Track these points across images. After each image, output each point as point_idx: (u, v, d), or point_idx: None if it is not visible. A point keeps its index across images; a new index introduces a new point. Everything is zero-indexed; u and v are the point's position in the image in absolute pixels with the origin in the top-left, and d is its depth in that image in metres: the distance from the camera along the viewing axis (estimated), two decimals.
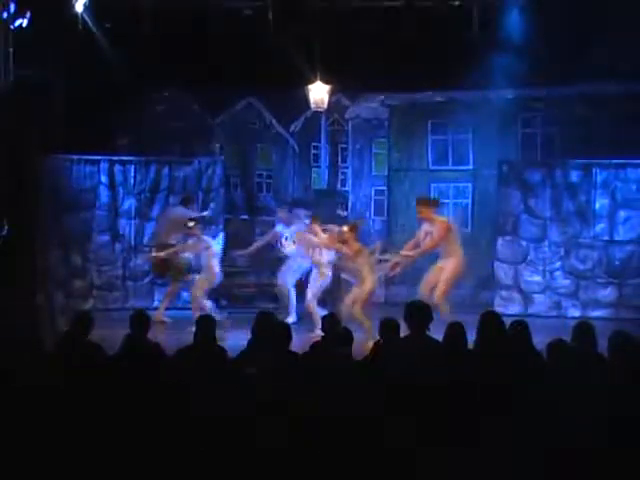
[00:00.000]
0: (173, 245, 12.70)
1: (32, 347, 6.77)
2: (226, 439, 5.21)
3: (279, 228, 12.94)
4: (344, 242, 11.03)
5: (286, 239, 12.69)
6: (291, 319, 11.97)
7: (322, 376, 6.04)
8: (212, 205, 14.28)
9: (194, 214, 12.94)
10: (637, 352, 6.20)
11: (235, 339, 8.12)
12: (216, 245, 12.39)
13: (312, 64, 13.20)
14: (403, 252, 11.50)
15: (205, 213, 13.62)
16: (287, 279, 12.63)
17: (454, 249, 11.22)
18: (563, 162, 13.94)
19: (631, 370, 5.94)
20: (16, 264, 10.15)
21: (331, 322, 7.40)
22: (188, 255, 12.65)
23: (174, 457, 5.17)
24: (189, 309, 13.21)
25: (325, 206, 15.00)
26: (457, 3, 12.18)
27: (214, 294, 12.85)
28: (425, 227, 11.43)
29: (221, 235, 13.53)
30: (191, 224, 12.16)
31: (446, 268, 11.21)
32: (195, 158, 14.74)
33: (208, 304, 11.71)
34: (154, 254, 12.75)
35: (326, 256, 11.82)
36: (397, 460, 5.05)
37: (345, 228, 11.23)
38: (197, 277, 12.22)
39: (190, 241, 12.14)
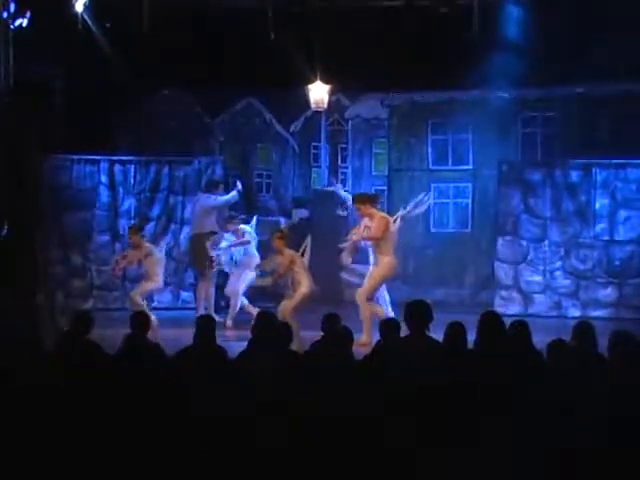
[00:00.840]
0: (214, 233, 12.56)
1: (32, 347, 6.77)
2: (226, 439, 5.21)
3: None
4: (278, 252, 10.63)
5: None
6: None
7: (322, 376, 6.04)
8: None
9: (219, 199, 12.71)
10: (637, 352, 6.20)
11: (236, 339, 8.12)
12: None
13: (312, 64, 13.21)
14: (342, 245, 11.39)
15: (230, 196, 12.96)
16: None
17: (388, 248, 10.78)
18: (563, 162, 13.94)
19: (631, 370, 5.95)
20: (16, 264, 10.14)
21: (331, 322, 7.40)
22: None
23: (174, 457, 5.17)
24: (190, 309, 13.26)
25: (325, 206, 15.00)
26: (457, 3, 12.17)
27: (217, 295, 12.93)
28: (365, 221, 10.97)
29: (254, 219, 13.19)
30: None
31: (378, 266, 10.84)
32: (195, 158, 14.74)
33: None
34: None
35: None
36: (397, 460, 5.05)
37: (277, 237, 10.74)
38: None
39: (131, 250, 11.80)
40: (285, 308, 10.34)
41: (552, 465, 4.99)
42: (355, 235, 11.07)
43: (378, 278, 10.79)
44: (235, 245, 12.40)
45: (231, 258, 12.50)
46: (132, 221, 14.32)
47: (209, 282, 12.66)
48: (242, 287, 12.32)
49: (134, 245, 11.35)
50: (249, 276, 12.33)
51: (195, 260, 12.95)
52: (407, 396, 5.51)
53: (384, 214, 11.15)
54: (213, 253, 12.45)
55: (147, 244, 11.39)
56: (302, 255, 10.62)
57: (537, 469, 5.00)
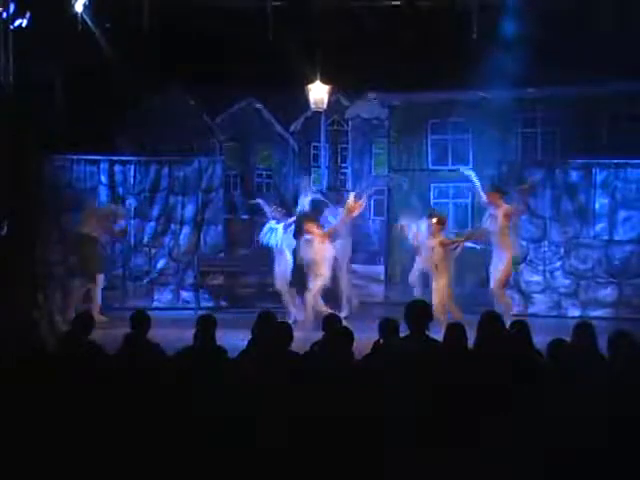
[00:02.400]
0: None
1: (32, 347, 6.77)
2: (226, 439, 5.21)
3: None
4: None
5: None
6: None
7: (322, 376, 6.04)
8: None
9: None
10: (637, 351, 6.21)
11: (236, 339, 8.11)
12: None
13: (312, 64, 13.21)
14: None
15: None
16: None
17: (512, 237, 12.05)
18: (563, 162, 13.95)
19: (631, 369, 5.95)
20: (16, 264, 10.15)
21: (331, 321, 7.40)
22: None
23: (175, 457, 5.17)
24: (190, 309, 13.27)
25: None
26: (457, 3, 12.17)
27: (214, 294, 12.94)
28: (490, 210, 11.96)
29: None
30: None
31: (505, 254, 11.86)
32: (195, 158, 14.75)
33: None
34: None
35: None
36: (397, 460, 5.05)
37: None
38: None
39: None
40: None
41: (552, 465, 5.00)
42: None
43: (508, 265, 11.85)
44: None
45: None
46: (132, 221, 14.34)
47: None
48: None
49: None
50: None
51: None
52: (407, 396, 5.51)
53: (510, 205, 11.91)
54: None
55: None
56: None
57: (537, 469, 5.00)
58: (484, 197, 12.16)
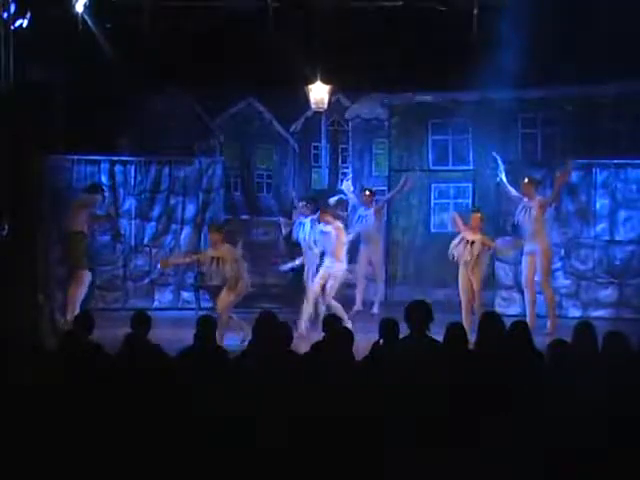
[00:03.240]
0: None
1: (33, 347, 6.77)
2: (227, 439, 5.21)
3: None
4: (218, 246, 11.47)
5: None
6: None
7: (322, 376, 6.04)
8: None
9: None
10: (629, 352, 6.23)
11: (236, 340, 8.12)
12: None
13: (312, 64, 13.20)
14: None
15: None
16: None
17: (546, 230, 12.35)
18: (563, 162, 13.93)
19: (625, 370, 5.95)
20: (16, 264, 10.15)
21: (331, 322, 7.40)
22: None
23: (175, 457, 5.17)
24: (191, 309, 13.26)
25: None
26: (457, 3, 12.17)
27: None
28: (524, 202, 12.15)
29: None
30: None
31: (542, 248, 12.15)
32: (195, 158, 14.74)
33: None
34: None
35: None
36: (397, 460, 5.05)
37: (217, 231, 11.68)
38: None
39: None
40: (223, 302, 11.15)
41: (552, 465, 4.99)
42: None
43: (548, 261, 12.15)
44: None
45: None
46: (133, 222, 14.34)
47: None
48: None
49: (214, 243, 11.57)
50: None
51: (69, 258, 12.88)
52: (407, 396, 5.51)
53: (544, 196, 12.20)
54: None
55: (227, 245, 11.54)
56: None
57: (537, 469, 5.00)
58: (513, 191, 12.33)
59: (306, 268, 12.59)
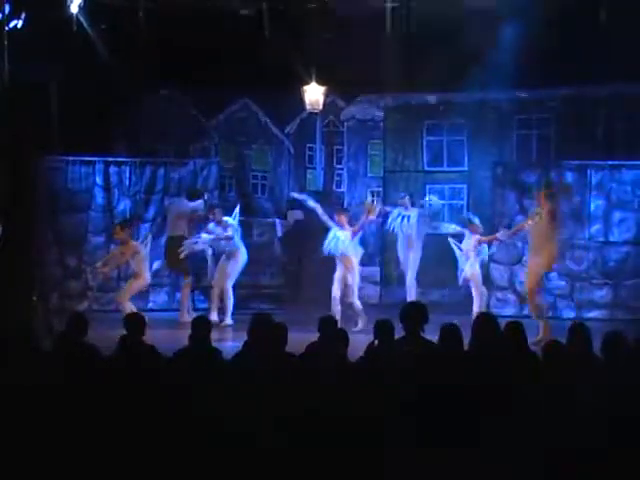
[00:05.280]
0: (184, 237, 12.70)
1: (28, 347, 6.76)
2: (222, 440, 5.21)
3: None
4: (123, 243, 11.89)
5: None
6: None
7: (318, 377, 6.04)
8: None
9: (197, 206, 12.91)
10: (629, 352, 6.23)
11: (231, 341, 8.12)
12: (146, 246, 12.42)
13: (307, 65, 13.21)
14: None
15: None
16: None
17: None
18: (558, 163, 13.96)
19: (624, 370, 5.96)
20: (12, 265, 10.14)
21: (327, 324, 7.40)
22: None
23: (170, 458, 5.17)
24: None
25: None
26: (450, 5, 12.19)
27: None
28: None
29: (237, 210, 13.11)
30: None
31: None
32: (190, 159, 14.73)
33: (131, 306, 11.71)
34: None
35: None
36: (392, 461, 5.06)
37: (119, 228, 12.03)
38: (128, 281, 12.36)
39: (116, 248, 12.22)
40: (122, 294, 11.90)
41: (546, 466, 5.00)
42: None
43: (542, 267, 11.47)
44: (218, 239, 12.41)
45: (213, 252, 12.56)
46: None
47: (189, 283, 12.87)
48: (229, 282, 12.36)
49: (121, 242, 11.63)
50: (235, 269, 12.38)
51: (171, 262, 12.99)
52: (402, 397, 5.52)
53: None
54: (192, 243, 12.47)
55: (133, 242, 11.64)
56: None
57: (532, 470, 5.00)
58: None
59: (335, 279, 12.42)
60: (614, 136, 13.93)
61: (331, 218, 12.13)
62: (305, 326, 11.68)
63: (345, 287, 12.02)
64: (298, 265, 12.76)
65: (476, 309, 11.67)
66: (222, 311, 12.50)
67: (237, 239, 12.49)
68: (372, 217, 12.35)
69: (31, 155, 11.03)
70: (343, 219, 12.05)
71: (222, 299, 12.55)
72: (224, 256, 12.46)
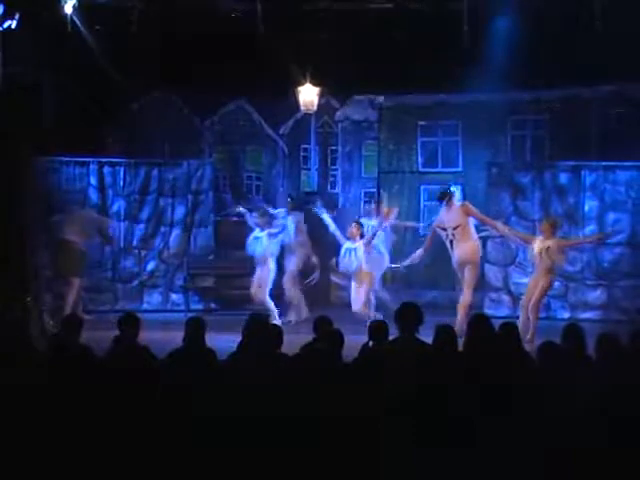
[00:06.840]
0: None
1: (22, 348, 6.76)
2: (217, 441, 5.21)
3: None
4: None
5: None
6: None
7: (312, 378, 6.04)
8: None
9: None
10: (622, 353, 6.24)
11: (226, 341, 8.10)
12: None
13: (302, 66, 13.20)
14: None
15: None
16: None
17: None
18: (552, 164, 13.98)
19: (617, 371, 5.97)
20: (5, 266, 10.13)
21: (323, 324, 7.40)
22: None
23: (163, 458, 5.16)
24: (179, 311, 13.24)
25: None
26: (446, 6, 12.17)
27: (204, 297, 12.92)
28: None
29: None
30: None
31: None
32: (184, 160, 14.73)
33: None
34: None
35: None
36: (390, 461, 5.06)
37: None
38: None
39: None
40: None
41: (542, 465, 5.00)
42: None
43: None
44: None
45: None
46: (121, 223, 14.31)
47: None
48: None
49: None
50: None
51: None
52: (397, 398, 5.52)
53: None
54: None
55: None
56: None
57: (527, 470, 5.00)
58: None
59: (255, 278, 12.68)
60: (608, 137, 13.95)
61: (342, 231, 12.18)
62: (300, 327, 11.73)
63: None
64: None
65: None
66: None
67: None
68: (389, 220, 12.40)
69: (25, 156, 11.00)
70: (355, 232, 12.01)
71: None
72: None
